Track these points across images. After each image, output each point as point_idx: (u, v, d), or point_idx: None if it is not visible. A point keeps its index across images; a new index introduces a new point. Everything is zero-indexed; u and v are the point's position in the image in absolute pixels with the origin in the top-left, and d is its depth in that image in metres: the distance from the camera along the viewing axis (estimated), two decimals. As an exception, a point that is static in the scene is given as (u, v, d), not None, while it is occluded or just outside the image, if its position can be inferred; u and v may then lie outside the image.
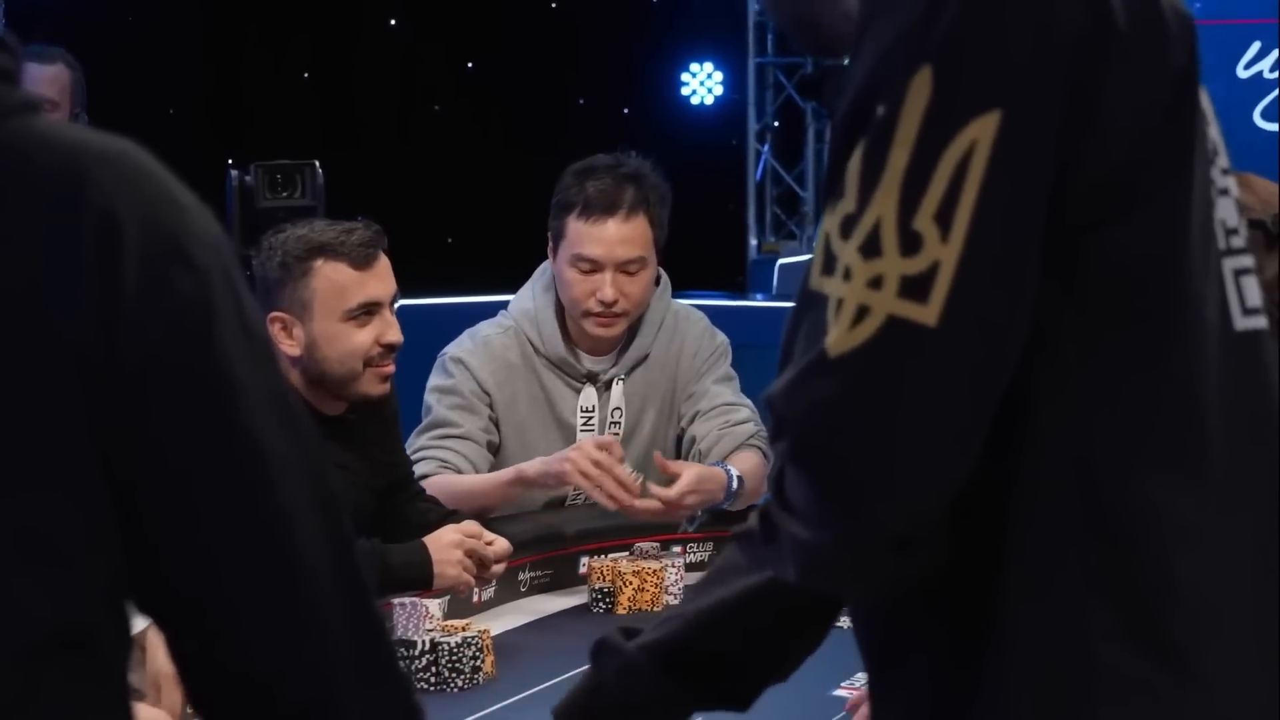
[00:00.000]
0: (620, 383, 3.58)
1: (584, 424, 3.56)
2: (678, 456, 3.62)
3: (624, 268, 3.46)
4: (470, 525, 3.04)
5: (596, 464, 3.19)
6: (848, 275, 1.28)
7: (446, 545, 2.96)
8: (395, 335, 3.06)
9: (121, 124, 1.34)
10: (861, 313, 1.26)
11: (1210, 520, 1.32)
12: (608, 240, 3.44)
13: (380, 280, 3.06)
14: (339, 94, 11.42)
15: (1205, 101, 1.39)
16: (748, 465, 3.46)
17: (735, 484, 3.39)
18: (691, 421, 3.61)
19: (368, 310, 3.04)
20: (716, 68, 12.45)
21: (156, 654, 2.25)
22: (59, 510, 1.08)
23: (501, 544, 3.04)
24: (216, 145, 8.95)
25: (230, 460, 1.12)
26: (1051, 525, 1.32)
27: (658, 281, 3.60)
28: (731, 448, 3.50)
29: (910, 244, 1.26)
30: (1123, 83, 1.30)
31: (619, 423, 3.58)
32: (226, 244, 1.15)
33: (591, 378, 3.57)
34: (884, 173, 1.27)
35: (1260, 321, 1.39)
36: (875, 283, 1.26)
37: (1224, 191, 1.40)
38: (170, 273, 1.10)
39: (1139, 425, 1.32)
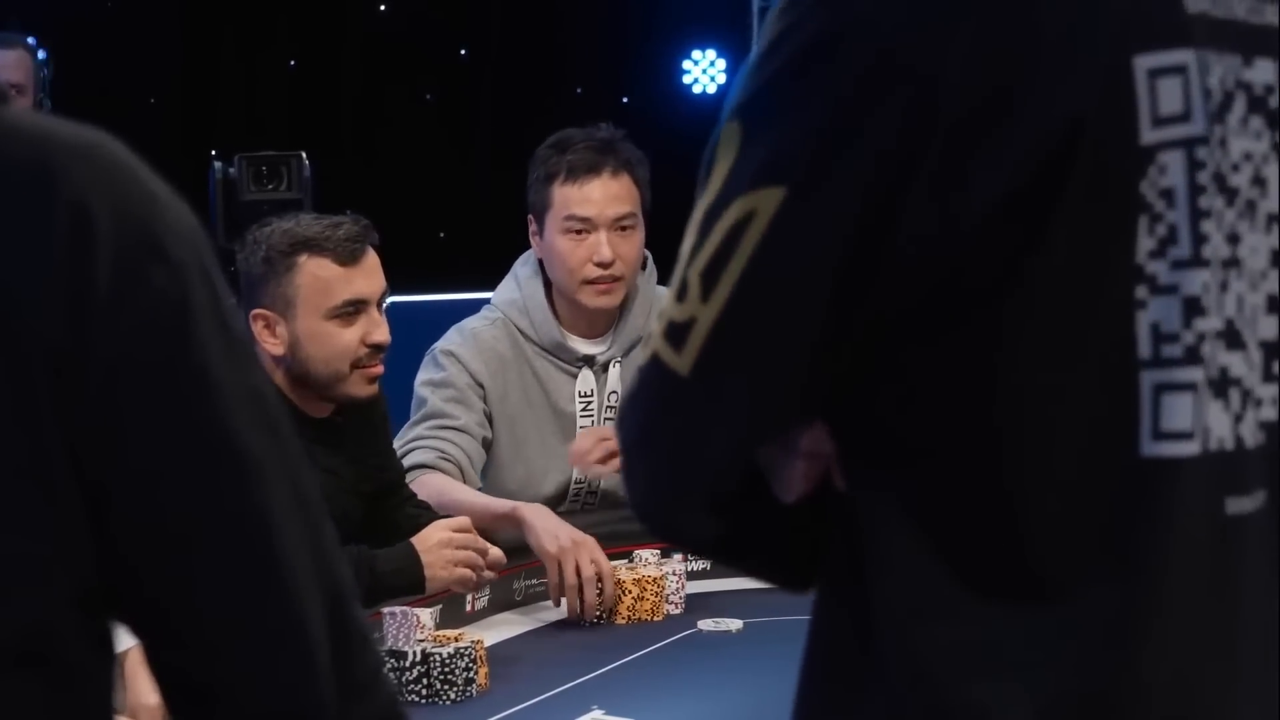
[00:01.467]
0: (617, 365, 3.59)
1: (583, 409, 3.56)
2: None
3: (618, 224, 3.50)
4: (460, 519, 3.03)
5: (579, 574, 3.13)
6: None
7: (436, 545, 2.96)
8: (382, 335, 3.05)
9: (100, 114, 1.34)
10: (648, 337, 1.34)
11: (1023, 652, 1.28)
12: (598, 199, 3.49)
13: (367, 277, 3.05)
14: (325, 82, 11.41)
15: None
16: None
17: None
18: None
19: (353, 308, 3.03)
20: (719, 55, 12.45)
21: (136, 683, 2.24)
22: (23, 514, 1.08)
23: (495, 550, 3.04)
24: (199, 136, 8.94)
25: (205, 461, 1.11)
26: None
27: (644, 266, 3.61)
28: None
29: (682, 292, 1.31)
30: (943, 187, 1.24)
31: (614, 407, 3.58)
32: (203, 238, 1.14)
33: (588, 361, 3.57)
34: (694, 212, 1.32)
35: (1190, 448, 1.27)
36: (660, 315, 1.33)
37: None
38: (145, 267, 1.09)
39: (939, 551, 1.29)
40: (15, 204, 1.07)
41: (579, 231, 3.48)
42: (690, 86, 12.52)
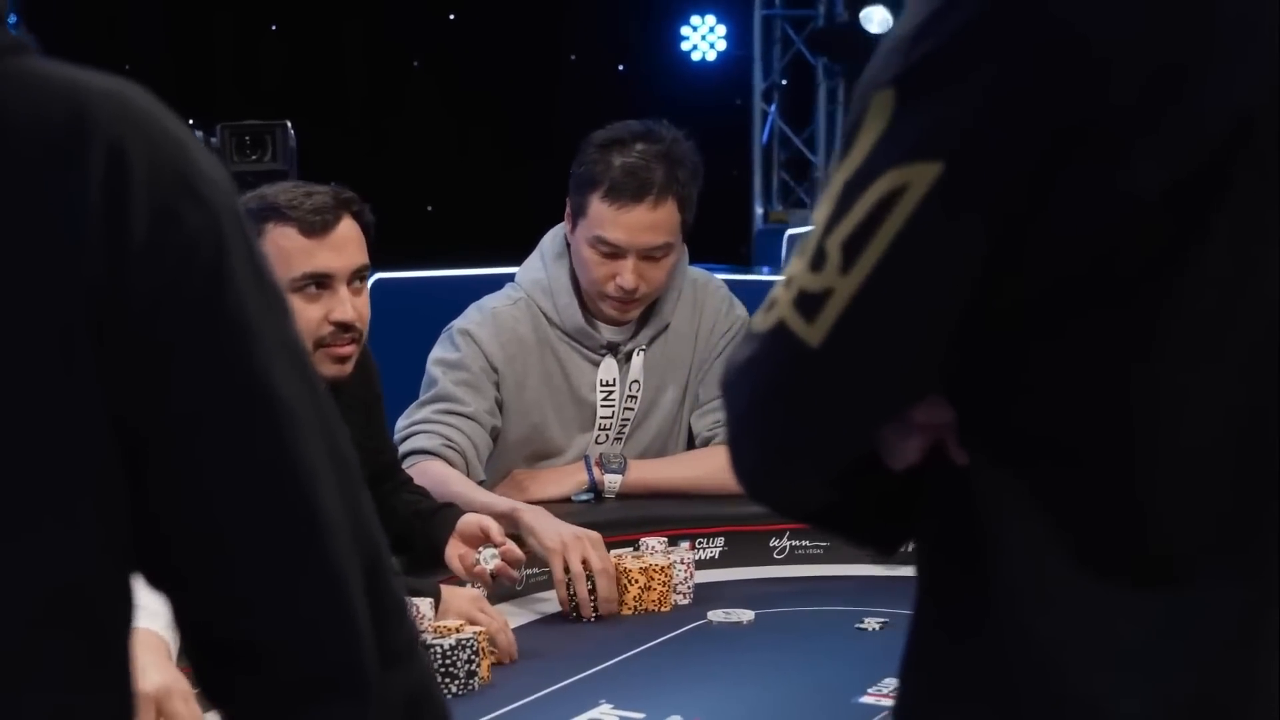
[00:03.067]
0: (641, 354, 3.59)
1: (604, 399, 3.56)
2: (690, 445, 3.65)
3: (648, 254, 3.46)
4: (495, 616, 2.93)
5: (579, 562, 3.13)
6: (790, 259, 1.36)
7: (466, 599, 2.89)
8: (345, 313, 2.98)
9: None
10: (771, 304, 1.35)
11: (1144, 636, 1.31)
12: (633, 227, 3.43)
13: (334, 251, 2.98)
14: (310, 48, 11.40)
15: None
16: (719, 461, 3.47)
17: (591, 477, 3.49)
18: (693, 410, 3.63)
19: (317, 283, 2.98)
20: (719, 20, 12.44)
21: (145, 673, 2.23)
22: (63, 463, 1.10)
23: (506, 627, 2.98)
24: (179, 104, 8.92)
25: (243, 406, 1.13)
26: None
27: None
28: None
29: (817, 261, 1.31)
30: (1105, 170, 1.26)
31: (635, 397, 3.58)
32: (232, 184, 1.17)
33: (612, 348, 3.57)
34: (833, 180, 1.33)
35: None
36: (788, 282, 1.34)
37: None
38: (180, 209, 1.12)
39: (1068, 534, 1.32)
40: (53, 149, 1.10)
41: (607, 254, 3.46)
42: (689, 54, 12.53)
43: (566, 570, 3.11)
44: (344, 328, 2.99)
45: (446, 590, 2.89)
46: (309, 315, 2.95)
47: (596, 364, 3.56)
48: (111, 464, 1.11)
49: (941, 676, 1.38)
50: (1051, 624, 1.31)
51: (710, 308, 3.65)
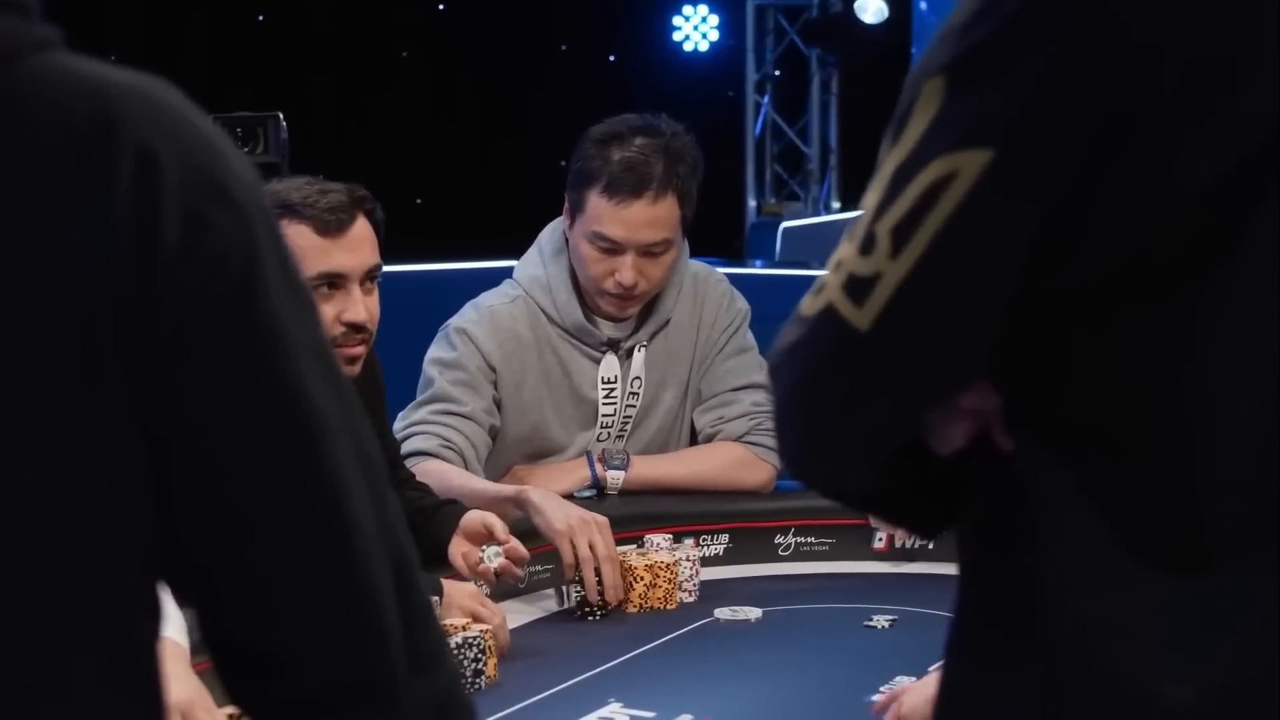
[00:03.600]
0: (642, 350, 3.59)
1: (605, 396, 3.56)
2: (693, 441, 3.65)
3: (647, 250, 3.46)
4: (491, 608, 2.94)
5: (589, 545, 3.14)
6: (840, 244, 1.39)
7: (466, 594, 2.90)
8: (357, 313, 3.00)
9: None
10: (820, 287, 1.38)
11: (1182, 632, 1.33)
12: (632, 223, 3.43)
13: (349, 252, 2.99)
14: (294, 38, 11.39)
15: None
16: (721, 457, 3.51)
17: (594, 472, 3.49)
18: (695, 406, 3.64)
19: (330, 283, 2.98)
20: (711, 10, 12.45)
21: (169, 685, 2.23)
22: (92, 473, 1.09)
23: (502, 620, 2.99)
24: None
25: (272, 416, 1.13)
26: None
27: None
28: None
29: (867, 245, 1.34)
30: (1155, 161, 1.27)
31: (637, 394, 3.58)
32: (263, 186, 1.16)
33: (612, 345, 3.58)
34: (883, 166, 1.35)
35: None
36: (837, 266, 1.37)
37: None
38: (211, 213, 1.11)
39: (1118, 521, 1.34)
40: (79, 150, 1.09)
41: (605, 250, 3.46)
42: (681, 44, 12.53)
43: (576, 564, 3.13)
44: (355, 328, 3.00)
45: (448, 585, 2.90)
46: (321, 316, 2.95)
47: (597, 361, 3.56)
48: (141, 475, 1.11)
49: (986, 660, 1.40)
50: (1098, 609, 1.33)
51: (711, 302, 3.65)
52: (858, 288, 1.34)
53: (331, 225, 2.96)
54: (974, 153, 1.29)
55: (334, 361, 1.18)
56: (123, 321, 1.09)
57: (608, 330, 3.57)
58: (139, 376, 1.10)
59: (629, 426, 3.60)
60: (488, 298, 3.59)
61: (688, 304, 3.62)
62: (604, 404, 3.57)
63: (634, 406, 3.59)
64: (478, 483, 3.33)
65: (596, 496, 3.50)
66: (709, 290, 3.66)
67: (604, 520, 3.17)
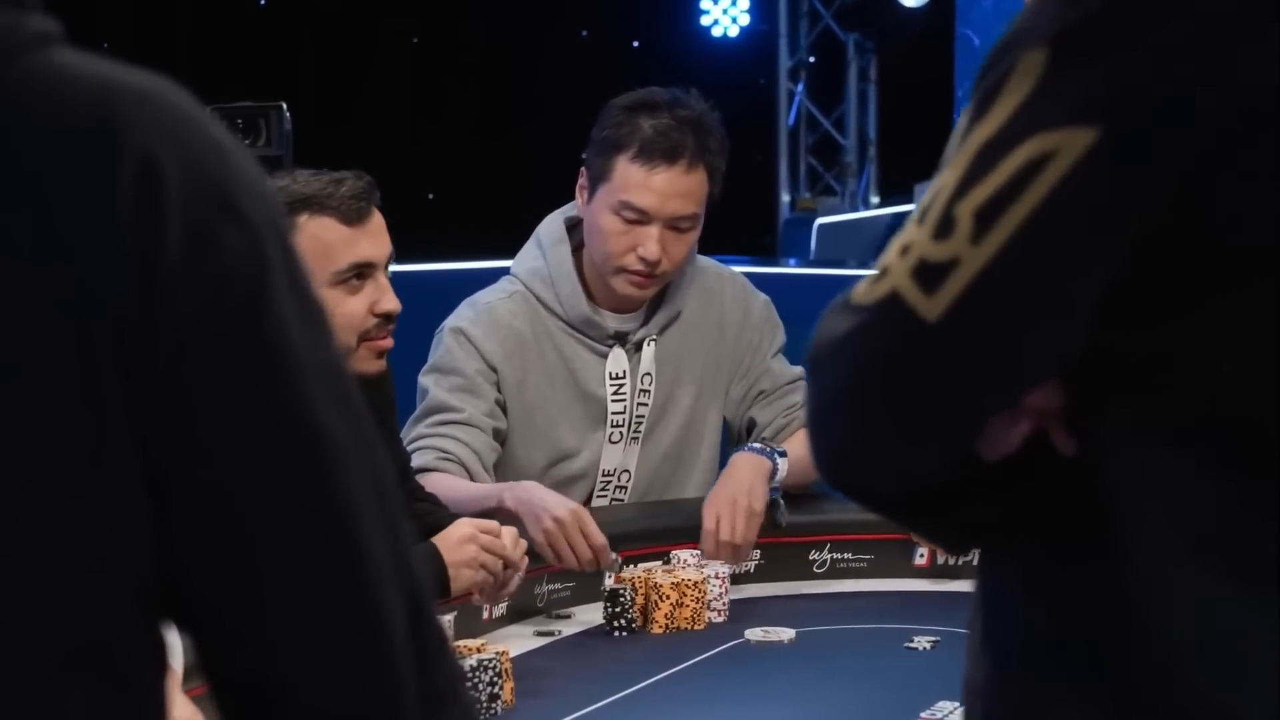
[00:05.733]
0: (652, 344, 3.59)
1: (614, 393, 3.56)
2: (723, 442, 3.65)
3: (674, 224, 3.47)
4: (488, 523, 3.05)
5: (573, 550, 3.19)
6: (905, 226, 1.37)
7: (459, 541, 2.98)
8: (392, 303, 3.05)
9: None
10: (883, 273, 1.34)
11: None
12: (663, 191, 3.44)
13: (373, 239, 3.04)
14: (296, 22, 11.41)
15: None
16: (801, 447, 3.47)
17: (775, 472, 3.43)
18: (752, 404, 3.63)
19: (359, 273, 3.03)
20: (742, -7, 12.45)
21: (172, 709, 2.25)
22: (87, 501, 1.09)
23: (509, 534, 3.04)
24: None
25: (280, 443, 1.12)
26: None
27: None
28: (796, 432, 3.54)
29: (944, 228, 1.31)
30: (1267, 160, 1.27)
31: (649, 391, 3.58)
32: (274, 194, 1.15)
33: (620, 339, 3.58)
34: (966, 141, 1.32)
35: None
36: (904, 250, 1.33)
37: None
38: (218, 228, 1.10)
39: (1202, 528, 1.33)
40: (78, 158, 1.08)
41: (631, 221, 3.46)
42: (709, 29, 12.54)
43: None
44: (388, 318, 3.05)
45: (442, 545, 2.96)
46: (352, 309, 3.01)
47: (604, 356, 3.56)
48: (139, 503, 1.11)
49: (1052, 679, 1.38)
50: (1177, 626, 1.32)
51: (729, 296, 3.65)
52: (930, 274, 1.30)
53: (355, 215, 3.01)
54: (1077, 131, 1.27)
55: (347, 382, 1.17)
56: (121, 343, 1.08)
57: (614, 323, 3.57)
58: (138, 402, 1.09)
59: (643, 427, 3.59)
60: (484, 295, 3.60)
61: (700, 298, 3.62)
62: (613, 401, 3.56)
63: (646, 405, 3.58)
64: (466, 491, 3.34)
65: (781, 498, 3.49)
66: (724, 285, 3.66)
67: (581, 509, 3.22)
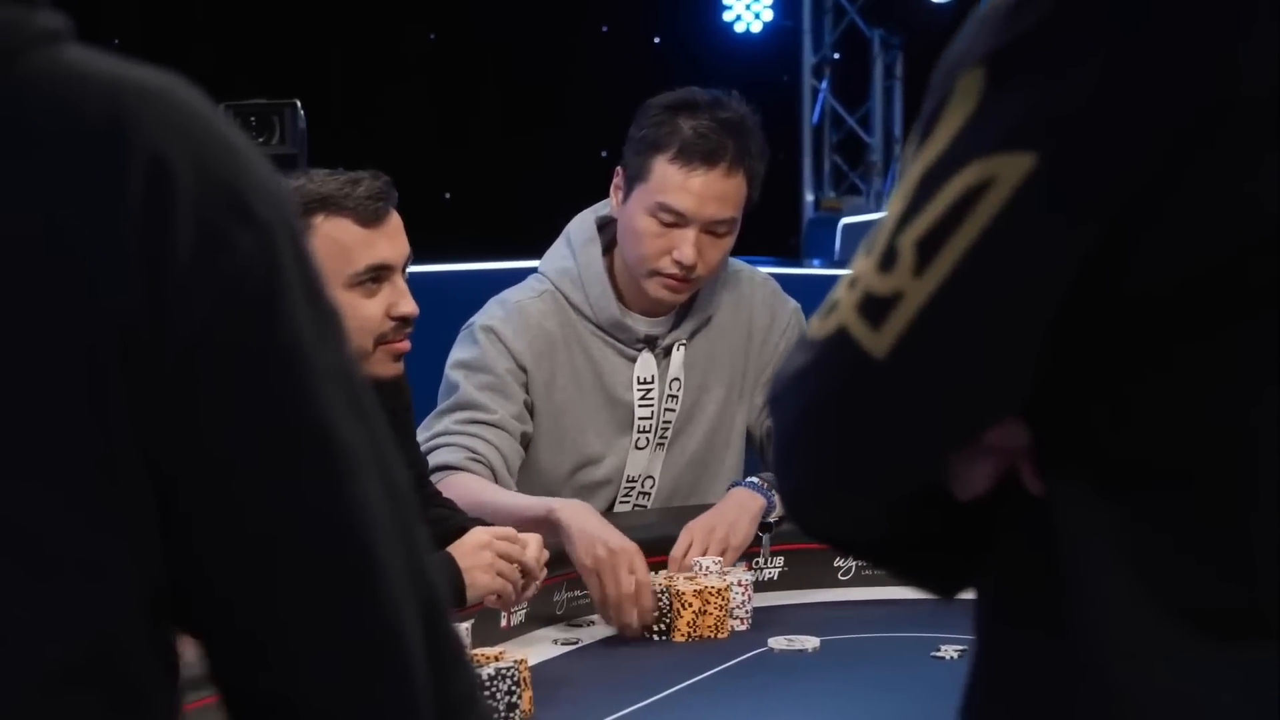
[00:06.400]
0: (682, 348, 3.59)
1: (642, 398, 3.56)
2: (747, 448, 3.65)
3: (711, 228, 3.46)
4: (505, 529, 3.05)
5: (617, 584, 3.16)
6: (855, 258, 1.34)
7: (475, 547, 2.98)
8: (410, 306, 3.05)
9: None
10: (832, 307, 1.32)
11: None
12: (702, 194, 3.44)
13: (391, 240, 3.05)
14: (312, 18, 11.42)
15: None
16: None
17: (770, 508, 3.40)
18: (750, 411, 3.63)
19: (376, 276, 3.03)
20: (765, -12, 12.45)
21: None
22: (92, 508, 1.09)
23: (534, 542, 3.05)
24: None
25: (292, 452, 1.12)
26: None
27: None
28: None
29: (887, 261, 1.29)
30: (1227, 177, 1.23)
31: (676, 396, 3.58)
32: (288, 195, 1.15)
33: (649, 343, 3.58)
34: (909, 170, 1.30)
35: None
36: (852, 283, 1.31)
37: None
38: (229, 231, 1.10)
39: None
40: (86, 158, 1.08)
41: (668, 224, 3.45)
42: (732, 24, 12.54)
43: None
44: (405, 321, 3.05)
45: (457, 552, 2.96)
46: (369, 312, 3.00)
47: (632, 360, 3.56)
48: (147, 509, 1.11)
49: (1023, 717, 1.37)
50: (1135, 679, 1.29)
51: (759, 300, 3.65)
52: (875, 308, 1.28)
53: (373, 216, 3.01)
54: (1015, 156, 1.24)
55: (361, 386, 1.16)
56: (129, 347, 1.08)
57: (644, 326, 3.57)
58: (147, 407, 1.09)
59: (669, 433, 3.59)
60: (513, 293, 3.59)
61: (731, 301, 3.63)
62: (640, 406, 3.56)
63: (674, 411, 3.58)
64: (507, 497, 3.34)
65: (776, 527, 3.45)
66: (755, 290, 3.66)
67: (636, 549, 3.18)
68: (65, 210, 1.08)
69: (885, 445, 1.32)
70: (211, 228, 1.09)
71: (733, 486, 3.45)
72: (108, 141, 1.08)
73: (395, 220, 3.07)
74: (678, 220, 3.44)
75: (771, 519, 3.41)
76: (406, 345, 3.08)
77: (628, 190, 3.49)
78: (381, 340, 3.04)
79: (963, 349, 1.28)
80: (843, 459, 1.34)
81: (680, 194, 3.43)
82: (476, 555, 2.98)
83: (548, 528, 3.20)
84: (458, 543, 3.00)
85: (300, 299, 1.13)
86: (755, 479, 3.45)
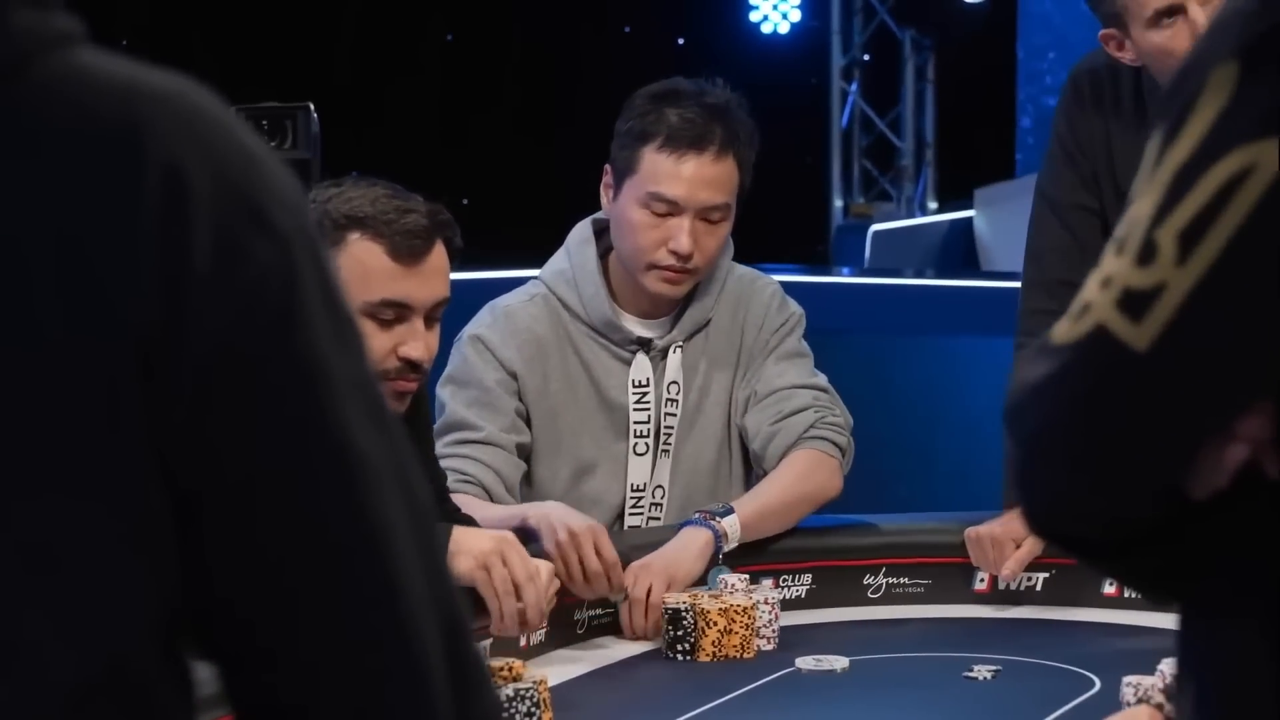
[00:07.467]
0: (678, 351, 3.59)
1: (637, 401, 3.55)
2: (744, 451, 3.63)
3: (705, 215, 3.47)
4: (519, 547, 3.04)
5: (583, 561, 3.18)
6: (1102, 261, 1.37)
7: (481, 536, 2.98)
8: (416, 351, 2.98)
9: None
10: (1084, 309, 1.36)
11: None
12: (693, 180, 3.45)
13: (423, 281, 2.97)
14: (326, 19, 11.45)
15: None
16: (800, 466, 3.46)
17: (719, 537, 3.37)
18: (745, 410, 3.62)
19: (393, 312, 2.97)
20: (793, -13, 12.45)
21: None
22: (107, 525, 1.10)
23: (545, 570, 3.05)
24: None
25: (312, 466, 1.13)
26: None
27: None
28: (785, 445, 3.49)
29: (1146, 254, 1.33)
30: None
31: (676, 400, 3.57)
32: (307, 204, 1.16)
33: (644, 345, 3.58)
34: (1160, 165, 1.34)
35: None
36: (1105, 282, 1.35)
37: None
38: (247, 240, 1.10)
39: None
40: (100, 166, 1.08)
41: (661, 214, 3.47)
42: (758, 25, 12.54)
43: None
44: (412, 365, 2.99)
45: (461, 531, 2.97)
46: (377, 344, 2.93)
47: (627, 362, 3.56)
48: (163, 525, 1.11)
49: None
50: None
51: (758, 303, 3.64)
52: (1135, 302, 1.32)
53: (407, 252, 2.94)
54: (1275, 143, 1.28)
55: (380, 400, 1.17)
56: (146, 360, 1.08)
57: (639, 329, 3.57)
58: (164, 421, 1.10)
59: (671, 439, 3.58)
60: (504, 299, 3.61)
61: (730, 305, 3.63)
62: (636, 410, 3.55)
63: (674, 415, 3.57)
64: (487, 511, 3.33)
65: (721, 558, 3.40)
66: (755, 293, 3.65)
67: (600, 528, 3.22)
68: (80, 218, 1.08)
69: (1151, 436, 1.35)
70: (230, 238, 1.10)
71: (683, 525, 3.41)
72: (124, 149, 1.09)
73: (435, 261, 2.99)
74: (671, 209, 3.46)
75: (730, 545, 3.38)
76: (412, 387, 3.02)
77: (618, 186, 3.52)
78: (384, 375, 2.99)
79: (1227, 334, 1.32)
80: (1111, 455, 1.36)
81: (671, 181, 3.45)
82: (476, 540, 2.96)
83: (525, 534, 3.22)
84: (475, 529, 2.98)
85: (320, 309, 1.13)
86: (699, 514, 3.40)
